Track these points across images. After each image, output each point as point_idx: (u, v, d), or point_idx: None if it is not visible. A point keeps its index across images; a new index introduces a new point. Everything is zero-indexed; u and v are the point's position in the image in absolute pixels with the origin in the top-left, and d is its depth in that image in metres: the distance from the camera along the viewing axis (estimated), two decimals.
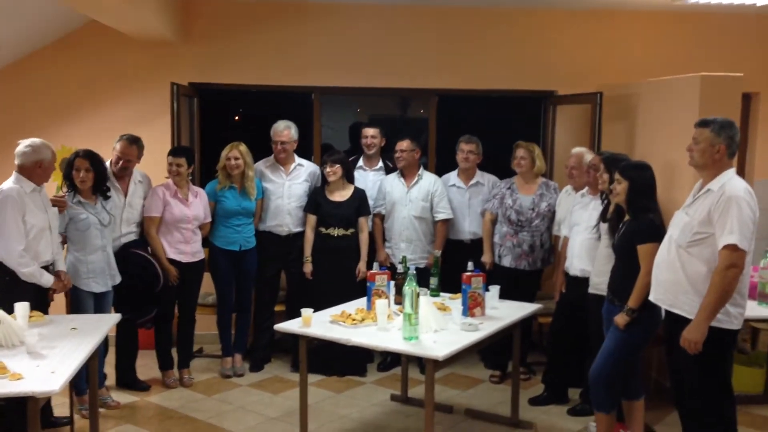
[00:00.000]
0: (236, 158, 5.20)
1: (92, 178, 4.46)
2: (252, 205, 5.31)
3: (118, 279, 4.67)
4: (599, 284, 4.24)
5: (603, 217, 4.22)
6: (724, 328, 3.39)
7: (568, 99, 6.01)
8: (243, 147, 5.24)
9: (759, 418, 4.69)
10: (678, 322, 3.47)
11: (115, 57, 5.89)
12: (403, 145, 5.44)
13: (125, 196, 4.87)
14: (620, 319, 3.79)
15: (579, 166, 4.79)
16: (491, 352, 5.40)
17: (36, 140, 4.19)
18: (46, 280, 4.17)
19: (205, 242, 5.31)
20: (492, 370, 5.48)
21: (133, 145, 4.83)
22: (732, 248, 3.24)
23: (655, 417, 4.52)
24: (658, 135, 5.00)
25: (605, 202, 4.27)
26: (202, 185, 5.47)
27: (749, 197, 3.32)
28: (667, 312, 3.57)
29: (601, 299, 4.15)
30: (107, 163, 4.77)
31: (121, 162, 4.80)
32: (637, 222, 3.80)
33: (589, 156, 4.75)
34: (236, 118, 7.96)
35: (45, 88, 5.89)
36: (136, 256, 4.85)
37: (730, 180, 3.37)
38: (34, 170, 4.14)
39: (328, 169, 5.27)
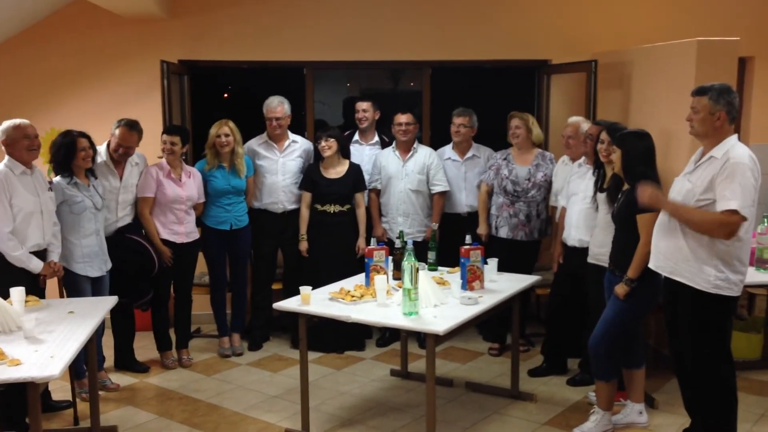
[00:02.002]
0: (226, 135, 5.13)
1: (92, 156, 4.44)
2: (242, 183, 5.25)
3: (109, 264, 4.63)
4: (598, 254, 4.23)
5: (600, 187, 4.20)
6: (724, 295, 3.38)
7: (562, 68, 5.94)
8: (231, 123, 5.17)
9: (757, 383, 4.72)
10: (676, 289, 3.47)
11: (103, 35, 5.79)
12: (405, 118, 5.36)
13: (121, 179, 4.80)
14: (620, 289, 3.78)
15: (576, 135, 4.75)
16: (490, 324, 5.41)
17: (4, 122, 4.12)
18: (35, 265, 4.10)
19: (199, 222, 5.27)
20: (491, 343, 5.50)
21: (133, 131, 4.73)
22: (731, 212, 3.22)
23: (654, 385, 4.54)
24: (654, 102, 4.96)
25: (597, 172, 4.25)
26: (192, 165, 5.40)
27: (753, 165, 3.30)
28: (667, 279, 3.56)
29: (600, 269, 4.14)
30: (103, 146, 4.75)
31: (121, 150, 4.72)
32: (635, 191, 3.76)
33: (585, 125, 4.71)
34: (224, 95, 7.87)
35: (32, 69, 5.79)
36: (130, 242, 4.80)
37: (733, 147, 3.34)
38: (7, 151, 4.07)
39: (323, 144, 5.21)
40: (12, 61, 5.76)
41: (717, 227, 3.27)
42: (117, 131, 4.70)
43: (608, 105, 5.50)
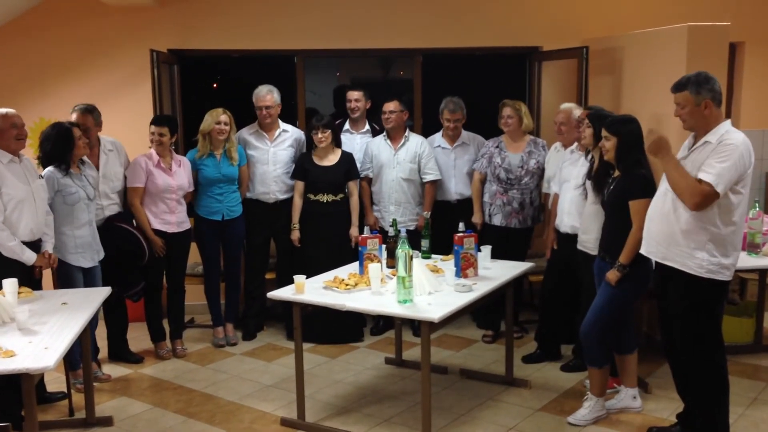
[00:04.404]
0: (226, 123, 5.12)
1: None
2: (234, 171, 5.22)
3: (102, 254, 4.61)
4: (586, 241, 4.25)
5: (590, 174, 4.20)
6: (716, 279, 3.40)
7: (553, 54, 5.94)
8: (228, 111, 5.16)
9: (749, 367, 4.75)
10: (668, 274, 3.48)
11: (91, 24, 5.74)
12: (391, 106, 5.36)
13: (98, 168, 4.77)
14: (612, 275, 3.78)
15: (568, 121, 4.76)
16: (483, 311, 5.43)
17: None
18: (28, 257, 4.07)
19: (193, 212, 5.24)
20: (484, 330, 5.51)
21: (88, 114, 4.71)
22: (705, 184, 3.25)
23: (646, 370, 4.57)
24: (646, 87, 4.97)
25: (590, 158, 4.25)
26: (183, 154, 5.37)
27: (745, 149, 3.31)
28: (658, 265, 3.58)
29: (588, 256, 4.16)
30: None
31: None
32: (628, 178, 3.77)
33: (578, 111, 4.71)
34: (214, 85, 7.82)
35: (20, 59, 5.74)
36: (120, 230, 4.78)
37: (728, 132, 3.36)
38: None
39: (319, 135, 5.17)
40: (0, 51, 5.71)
41: (689, 193, 3.29)
42: (73, 115, 4.69)
43: (600, 91, 5.50)
